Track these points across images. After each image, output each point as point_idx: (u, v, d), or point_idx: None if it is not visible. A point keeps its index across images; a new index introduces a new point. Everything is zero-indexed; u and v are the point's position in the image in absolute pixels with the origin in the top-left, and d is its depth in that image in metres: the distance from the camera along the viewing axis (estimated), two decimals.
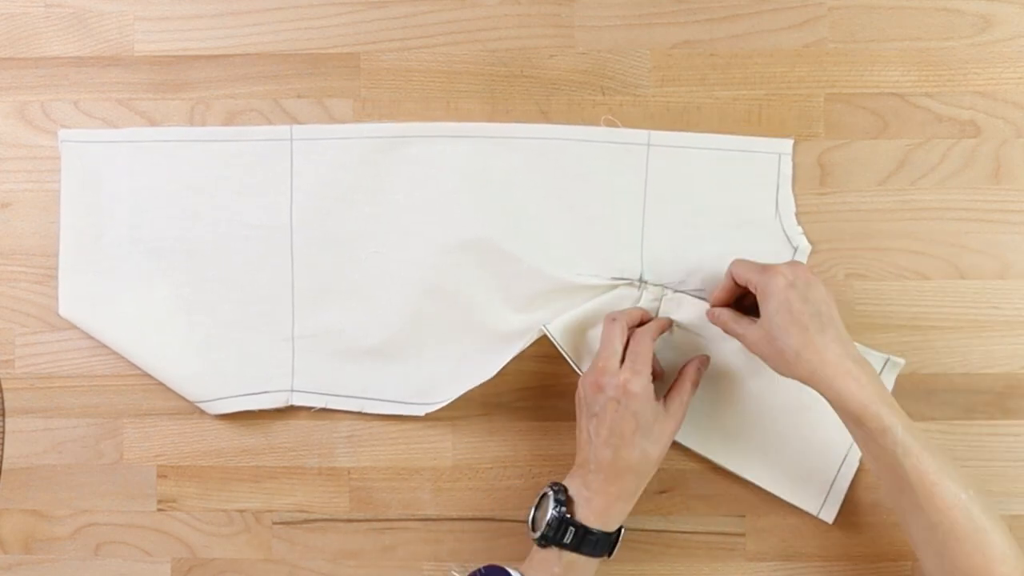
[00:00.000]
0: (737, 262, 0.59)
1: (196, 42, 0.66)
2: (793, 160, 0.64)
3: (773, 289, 0.55)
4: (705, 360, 0.62)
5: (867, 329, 0.64)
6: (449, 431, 0.66)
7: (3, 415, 0.67)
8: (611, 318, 0.60)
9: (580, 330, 0.63)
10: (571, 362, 0.63)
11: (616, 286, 0.64)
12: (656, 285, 0.64)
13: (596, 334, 0.63)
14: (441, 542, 0.66)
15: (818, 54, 0.65)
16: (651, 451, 0.57)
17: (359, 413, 0.66)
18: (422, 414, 0.64)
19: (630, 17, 0.65)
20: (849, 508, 0.64)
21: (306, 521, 0.66)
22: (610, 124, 0.65)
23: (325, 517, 0.66)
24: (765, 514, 0.65)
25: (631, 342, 0.59)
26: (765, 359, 0.57)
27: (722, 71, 0.65)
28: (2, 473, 0.67)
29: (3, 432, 0.67)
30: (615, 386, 0.57)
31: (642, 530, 0.65)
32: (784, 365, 0.56)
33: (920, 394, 0.64)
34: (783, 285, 0.55)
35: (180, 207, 0.65)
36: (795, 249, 0.64)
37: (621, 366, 0.58)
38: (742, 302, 0.61)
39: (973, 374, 0.64)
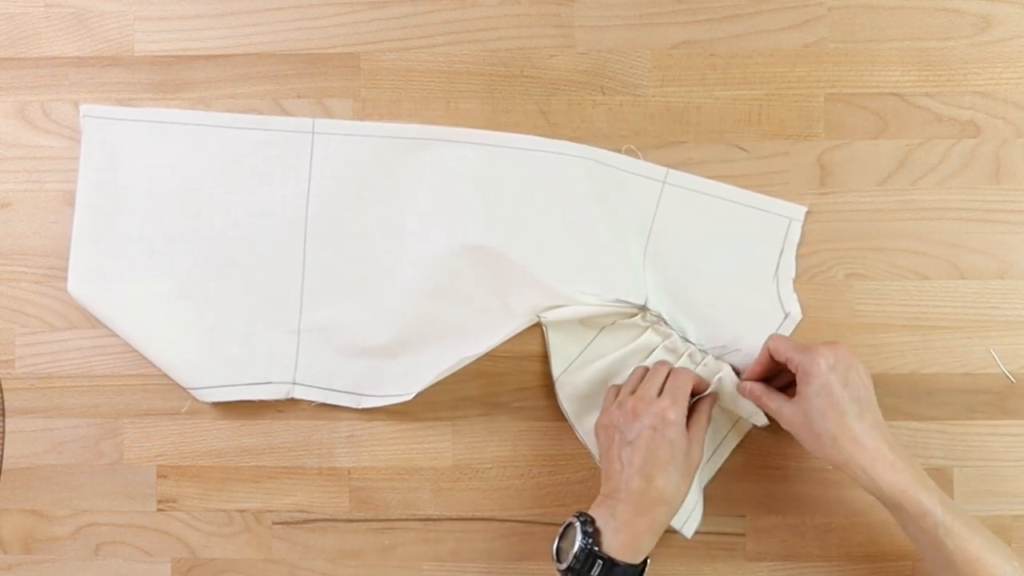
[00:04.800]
0: (776, 338, 0.59)
1: (196, 42, 0.66)
2: (803, 227, 0.64)
3: (815, 371, 0.55)
4: (713, 399, 0.62)
5: (867, 329, 0.64)
6: (449, 431, 0.66)
7: (3, 415, 0.67)
8: (661, 362, 0.61)
9: (576, 326, 0.64)
10: (551, 362, 0.64)
11: (619, 310, 0.63)
12: (679, 336, 0.64)
13: (596, 347, 0.64)
14: (441, 542, 0.66)
15: (818, 54, 0.65)
16: (681, 483, 0.57)
17: (359, 412, 0.66)
18: (411, 397, 0.63)
19: (630, 17, 0.65)
20: (849, 508, 0.64)
21: (306, 521, 0.66)
22: (631, 154, 0.65)
23: (325, 517, 0.66)
24: (765, 514, 0.65)
25: (672, 376, 0.60)
26: (799, 437, 0.57)
27: (722, 71, 0.65)
28: (2, 473, 0.67)
29: (3, 432, 0.67)
30: (653, 414, 0.57)
31: None
32: (819, 448, 0.56)
33: (920, 394, 0.64)
34: (825, 368, 0.55)
35: (195, 192, 0.65)
36: (786, 315, 0.64)
37: (659, 396, 0.58)
38: (773, 379, 0.61)
39: (973, 374, 0.64)
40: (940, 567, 0.54)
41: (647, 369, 0.62)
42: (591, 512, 0.58)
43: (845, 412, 0.54)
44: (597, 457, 0.63)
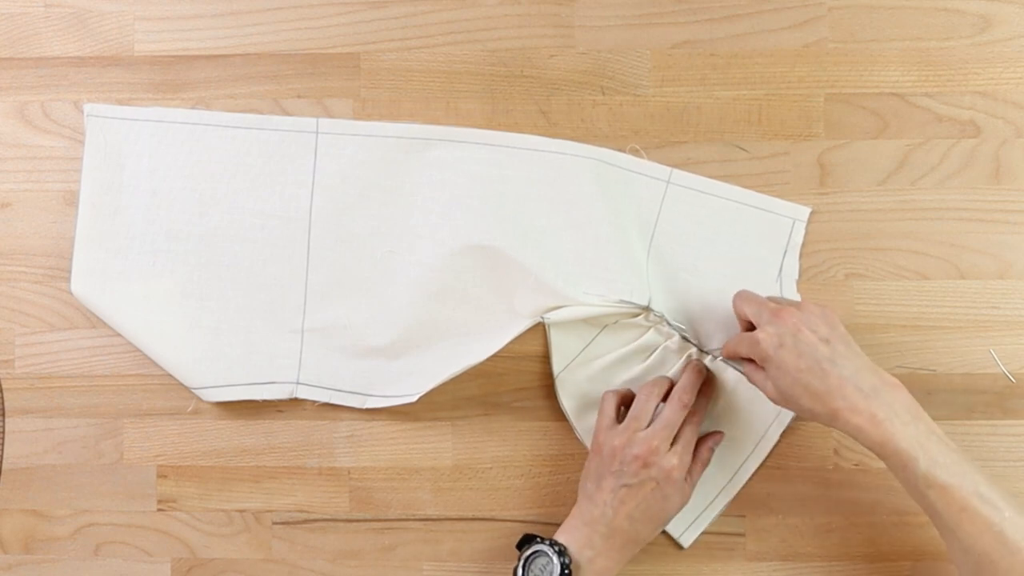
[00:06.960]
0: (730, 344, 0.60)
1: (196, 42, 0.66)
2: (806, 228, 0.64)
3: (765, 357, 0.55)
4: (719, 438, 0.63)
5: (867, 329, 0.64)
6: (449, 431, 0.66)
7: (3, 415, 0.67)
8: (682, 402, 0.60)
9: (578, 323, 0.64)
10: (552, 359, 0.64)
11: (623, 311, 0.63)
12: (681, 336, 0.63)
13: (598, 345, 0.64)
14: (441, 542, 0.66)
15: (818, 54, 0.65)
16: (660, 528, 0.60)
17: (359, 412, 0.66)
18: (415, 399, 0.64)
19: (630, 17, 0.65)
20: (849, 508, 0.64)
21: (306, 521, 0.66)
22: (635, 154, 0.65)
23: (325, 517, 0.66)
24: (765, 514, 0.65)
25: (684, 428, 0.60)
26: (782, 406, 0.57)
27: (722, 71, 0.65)
28: (2, 473, 0.67)
29: (3, 432, 0.67)
30: (662, 468, 0.58)
31: None
32: (804, 416, 0.57)
33: (920, 394, 0.64)
34: (773, 348, 0.55)
35: (198, 191, 0.65)
36: None
37: (671, 448, 0.59)
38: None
39: (973, 374, 0.64)
40: (928, 513, 0.53)
41: (652, 386, 0.61)
42: (561, 539, 0.58)
43: (807, 384, 0.54)
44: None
